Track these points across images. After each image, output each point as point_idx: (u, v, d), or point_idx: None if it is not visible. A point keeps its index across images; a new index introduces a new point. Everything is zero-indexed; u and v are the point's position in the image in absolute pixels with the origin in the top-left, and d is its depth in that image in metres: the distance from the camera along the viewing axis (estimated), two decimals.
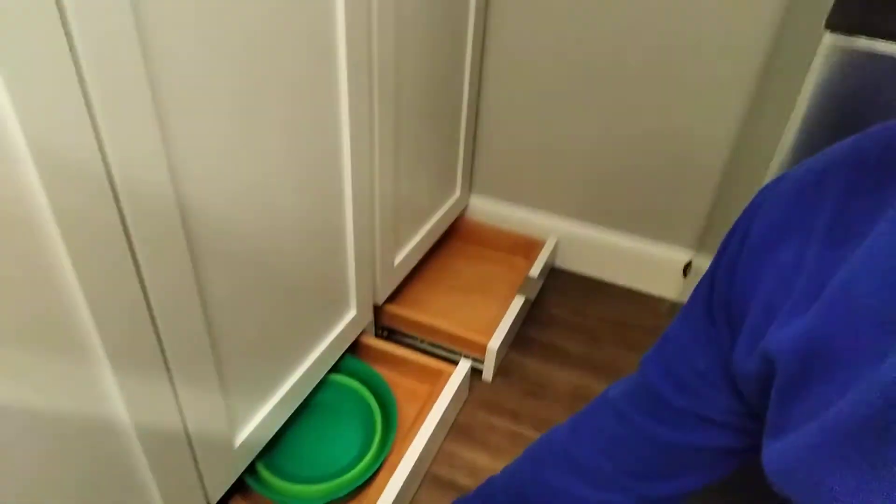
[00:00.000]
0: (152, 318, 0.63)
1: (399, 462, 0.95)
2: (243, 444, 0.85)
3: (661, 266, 1.42)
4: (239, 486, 0.93)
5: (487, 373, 1.21)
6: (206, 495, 0.81)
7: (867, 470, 0.29)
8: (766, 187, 0.45)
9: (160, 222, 0.61)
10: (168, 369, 0.67)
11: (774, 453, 0.36)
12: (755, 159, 0.95)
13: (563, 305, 1.42)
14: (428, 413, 1.04)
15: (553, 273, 1.52)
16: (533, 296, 1.33)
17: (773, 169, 0.83)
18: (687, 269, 1.39)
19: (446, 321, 1.23)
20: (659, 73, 1.22)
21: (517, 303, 1.28)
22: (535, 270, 1.37)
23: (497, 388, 1.21)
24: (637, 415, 0.51)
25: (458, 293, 1.37)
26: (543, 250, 1.44)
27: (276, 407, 0.91)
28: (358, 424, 1.06)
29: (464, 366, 1.13)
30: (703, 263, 1.21)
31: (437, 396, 1.07)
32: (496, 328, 1.21)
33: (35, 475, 0.56)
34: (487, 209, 1.54)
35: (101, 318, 0.56)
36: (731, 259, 0.45)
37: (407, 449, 0.97)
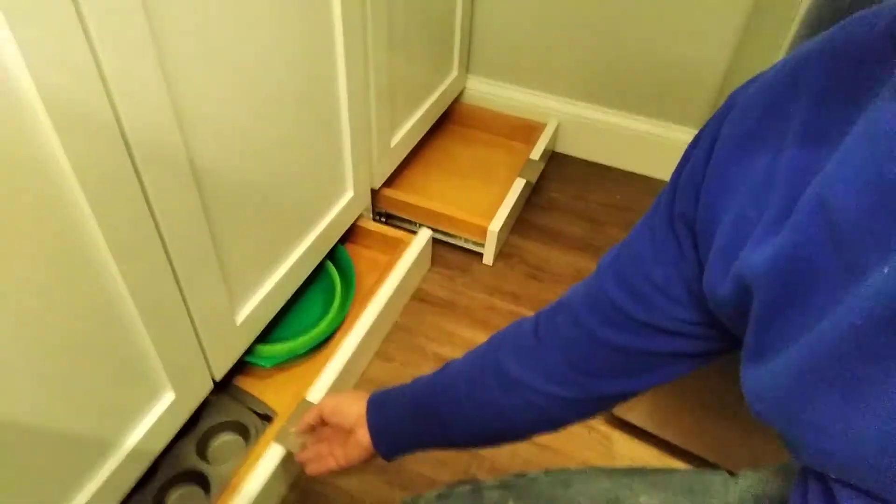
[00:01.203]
0: (149, 204, 0.60)
1: (358, 319, 1.00)
2: (245, 322, 0.84)
3: (664, 148, 1.37)
4: (241, 368, 0.93)
5: (488, 256, 1.20)
6: (210, 372, 0.81)
7: (849, 393, 0.27)
8: (737, 91, 0.41)
9: (155, 113, 0.58)
10: (167, 253, 0.65)
11: (753, 379, 0.34)
12: (774, 22, 0.89)
13: (564, 190, 1.39)
14: (386, 280, 1.06)
15: (553, 158, 1.48)
16: (534, 178, 1.29)
17: (795, 27, 0.78)
18: None
19: (445, 205, 1.20)
20: None
21: (517, 186, 1.25)
22: (536, 153, 1.33)
23: (498, 271, 1.21)
24: (592, 319, 0.49)
25: (456, 178, 1.34)
26: (544, 134, 1.40)
27: (276, 286, 0.89)
28: (321, 292, 1.07)
29: (424, 235, 1.14)
30: None
31: (395, 264, 1.08)
32: (496, 211, 1.19)
33: (44, 363, 0.55)
34: (485, 91, 1.48)
35: (101, 208, 0.54)
36: (697, 172, 0.41)
37: (364, 310, 1.01)
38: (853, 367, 0.27)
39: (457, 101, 1.47)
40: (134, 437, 0.71)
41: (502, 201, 1.21)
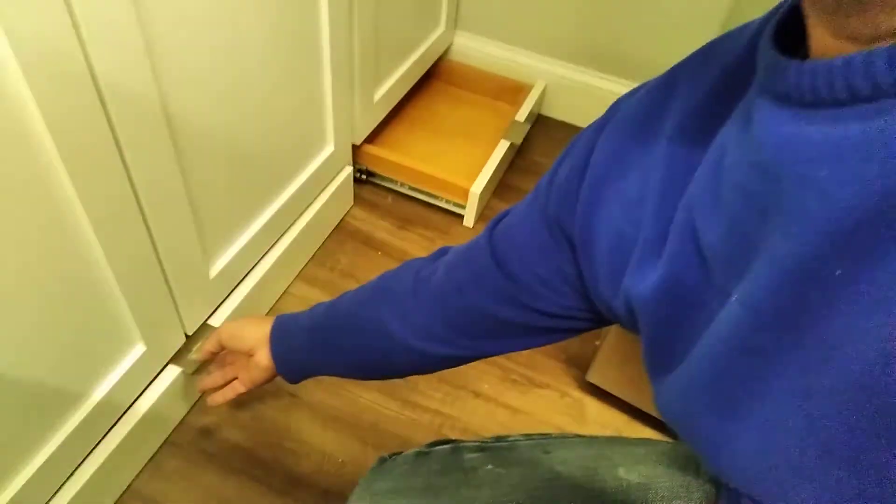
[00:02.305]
0: (120, 152, 0.58)
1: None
2: (219, 275, 0.82)
3: None
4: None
5: (469, 218, 1.19)
6: (182, 325, 0.79)
7: (724, 412, 0.28)
8: (621, 98, 0.40)
9: (127, 58, 0.55)
10: (139, 203, 0.63)
11: (657, 393, 0.35)
12: None
13: (549, 154, 1.38)
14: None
15: (539, 120, 1.46)
16: (519, 140, 1.27)
17: None
18: None
19: (427, 164, 1.18)
20: None
21: (501, 148, 1.23)
22: (522, 115, 1.31)
23: (478, 232, 1.19)
24: (478, 293, 0.48)
25: (440, 137, 1.31)
26: (530, 95, 1.37)
27: (252, 240, 0.88)
28: None
29: (346, 171, 1.12)
30: None
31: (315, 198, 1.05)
32: (479, 173, 1.17)
33: (11, 313, 0.53)
34: (473, 48, 1.44)
35: (71, 156, 0.51)
36: (571, 184, 0.40)
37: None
38: (723, 388, 0.29)
39: (443, 57, 1.43)
40: (103, 388, 0.70)
41: (485, 163, 1.19)
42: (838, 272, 0.22)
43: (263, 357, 0.62)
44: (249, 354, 0.64)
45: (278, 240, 0.97)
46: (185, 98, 0.66)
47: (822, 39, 0.24)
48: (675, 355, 0.33)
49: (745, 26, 0.33)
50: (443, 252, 0.55)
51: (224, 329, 0.68)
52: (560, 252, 0.42)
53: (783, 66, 0.25)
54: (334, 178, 1.10)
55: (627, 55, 1.32)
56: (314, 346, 0.59)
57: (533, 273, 0.44)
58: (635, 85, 1.33)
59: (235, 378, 0.70)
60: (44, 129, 0.50)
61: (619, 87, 1.36)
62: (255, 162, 0.84)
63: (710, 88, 0.33)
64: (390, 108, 1.22)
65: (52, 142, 0.51)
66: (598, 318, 0.44)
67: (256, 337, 0.63)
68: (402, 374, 0.58)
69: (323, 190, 1.07)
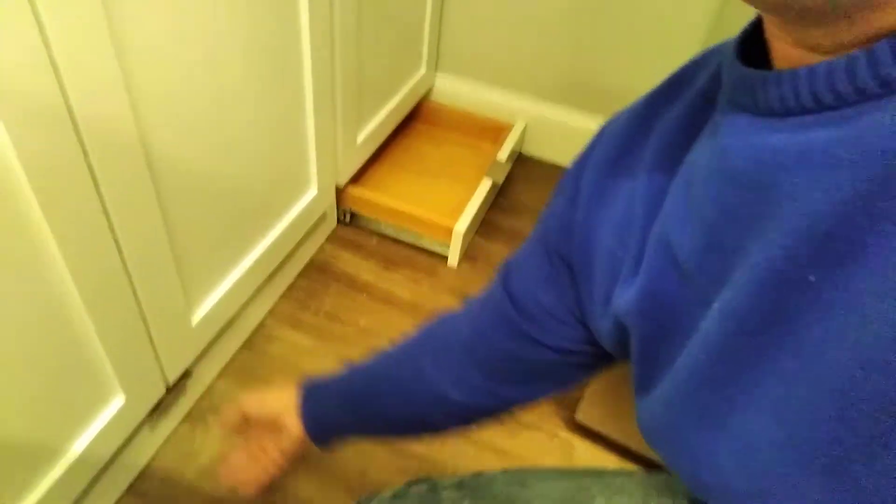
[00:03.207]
0: (100, 195, 0.57)
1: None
2: (202, 322, 0.81)
3: None
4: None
5: (453, 257, 1.19)
6: (163, 375, 0.78)
7: (705, 422, 0.28)
8: (607, 123, 0.41)
9: (108, 99, 0.55)
10: (119, 249, 0.62)
11: (640, 410, 0.35)
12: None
13: (531, 192, 1.39)
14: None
15: (521, 159, 1.47)
16: (501, 179, 1.29)
17: None
18: None
19: (411, 204, 1.18)
20: None
21: (484, 187, 1.24)
22: (503, 154, 1.33)
23: (462, 273, 1.20)
24: (494, 332, 0.49)
25: (423, 177, 1.32)
26: (511, 134, 1.39)
27: (235, 285, 0.87)
28: None
29: (330, 213, 1.11)
30: None
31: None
32: (462, 212, 1.18)
33: None
34: (454, 90, 1.46)
35: (49, 199, 0.50)
36: (565, 213, 0.41)
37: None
38: (704, 398, 0.28)
39: (425, 98, 1.45)
40: (82, 442, 0.68)
41: (468, 202, 1.20)
42: (812, 278, 0.23)
43: (292, 421, 0.58)
44: (276, 423, 0.60)
45: (262, 284, 0.97)
46: (167, 141, 0.66)
47: (784, 51, 0.24)
48: (659, 368, 0.33)
49: (712, 51, 0.34)
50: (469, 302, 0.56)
51: (246, 398, 0.63)
52: (562, 280, 0.43)
53: (750, 77, 0.26)
54: (318, 220, 1.10)
55: (606, 93, 1.35)
56: (349, 403, 0.57)
57: (539, 304, 0.45)
58: None
59: (262, 459, 0.63)
60: (20, 170, 0.49)
61: (595, 125, 1.38)
62: (239, 206, 0.83)
63: (683, 111, 0.34)
64: (373, 150, 1.23)
65: (29, 185, 0.50)
66: (603, 353, 0.45)
67: (282, 401, 0.59)
68: (440, 430, 0.56)
69: (307, 232, 1.07)
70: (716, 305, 0.28)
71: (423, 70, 1.36)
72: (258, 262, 0.91)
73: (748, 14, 0.27)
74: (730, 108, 0.27)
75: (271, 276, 1.00)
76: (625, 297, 0.34)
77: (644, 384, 0.35)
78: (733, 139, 0.27)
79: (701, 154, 0.30)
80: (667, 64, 1.39)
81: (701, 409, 0.29)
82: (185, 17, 0.63)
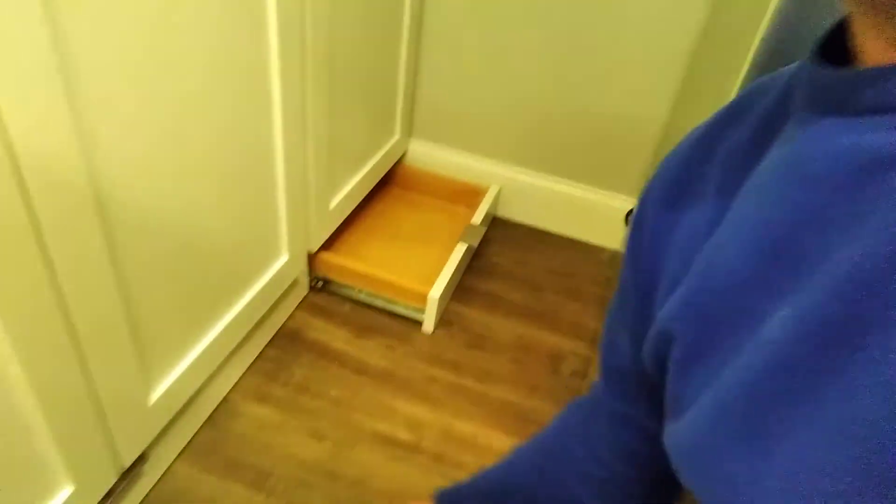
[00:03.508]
0: (47, 259, 0.53)
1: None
2: (160, 400, 0.76)
3: (603, 215, 1.39)
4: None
5: (428, 323, 1.16)
6: (117, 458, 0.72)
7: (754, 444, 0.26)
8: (665, 160, 0.42)
9: (67, 189, 0.52)
10: (68, 320, 0.58)
11: (671, 435, 0.33)
12: (709, 91, 0.92)
13: (506, 255, 1.38)
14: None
15: (495, 222, 1.47)
16: (476, 243, 1.27)
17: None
18: (629, 217, 1.37)
19: (385, 270, 1.16)
20: (604, 14, 1.16)
21: (459, 251, 1.22)
22: (478, 217, 1.32)
23: (438, 339, 1.16)
24: (598, 432, 0.49)
25: (397, 242, 1.30)
26: (486, 198, 1.39)
27: (197, 359, 0.82)
28: None
29: (301, 280, 1.08)
30: None
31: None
32: (437, 277, 1.15)
33: None
34: (427, 155, 1.47)
35: None
36: (634, 245, 0.41)
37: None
38: (754, 417, 0.26)
39: (399, 163, 1.45)
40: None
41: (443, 267, 1.18)
42: None
43: None
44: None
45: (227, 357, 0.92)
46: (125, 201, 0.63)
47: (877, 51, 0.24)
48: (698, 385, 0.30)
49: (772, 78, 0.35)
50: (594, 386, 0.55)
51: None
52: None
53: (841, 77, 0.25)
54: (288, 288, 1.07)
55: (573, 159, 1.36)
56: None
57: (633, 367, 0.44)
58: (585, 187, 1.37)
59: None
60: None
61: (572, 189, 1.39)
62: (203, 273, 0.80)
63: (747, 136, 0.34)
64: (347, 215, 1.21)
65: None
66: None
67: None
68: None
69: (276, 301, 1.03)
70: (784, 312, 0.25)
71: (396, 135, 1.36)
72: (224, 334, 0.87)
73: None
74: (809, 114, 0.27)
75: (238, 348, 0.95)
76: (671, 302, 0.34)
77: (678, 404, 0.33)
78: (815, 143, 0.26)
79: (768, 166, 0.30)
80: (632, 137, 1.43)
81: (748, 431, 0.26)
82: (151, 74, 0.61)
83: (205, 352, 0.83)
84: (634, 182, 1.34)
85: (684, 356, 0.32)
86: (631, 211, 1.36)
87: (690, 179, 0.37)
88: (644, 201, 0.41)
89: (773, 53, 0.68)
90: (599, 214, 1.40)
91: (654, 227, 0.39)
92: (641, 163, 1.31)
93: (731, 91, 0.84)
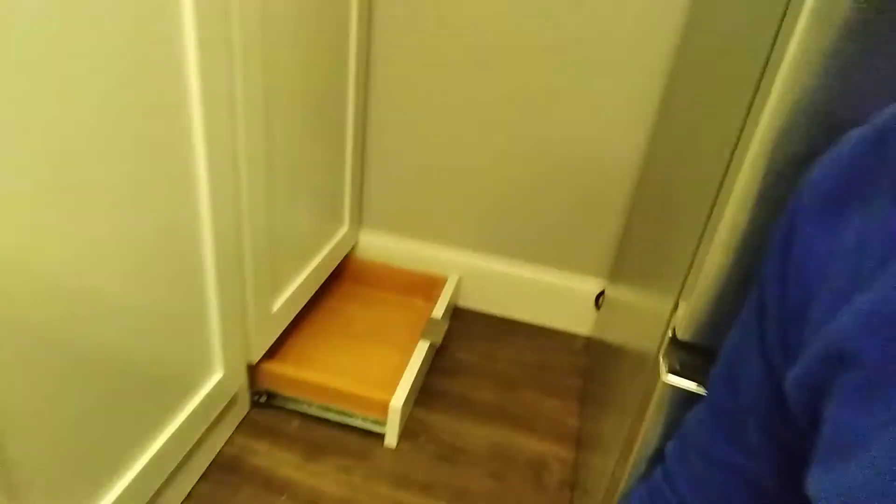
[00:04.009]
0: None
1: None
2: None
3: (572, 299, 1.30)
4: None
5: (391, 436, 1.02)
6: None
7: None
8: (810, 179, 0.38)
9: None
10: None
11: (827, 482, 0.28)
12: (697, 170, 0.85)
13: (471, 350, 1.26)
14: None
15: (457, 314, 1.36)
16: (439, 340, 1.15)
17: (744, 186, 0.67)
18: (599, 299, 1.28)
19: (338, 378, 1.02)
20: (561, 88, 1.12)
21: (420, 350, 1.10)
22: (439, 310, 1.21)
23: (403, 454, 1.02)
24: None
25: (350, 344, 1.17)
26: (445, 288, 1.28)
27: (118, 500, 0.66)
28: None
29: (241, 397, 0.94)
30: (617, 293, 1.10)
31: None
32: (398, 382, 1.02)
33: None
34: (380, 245, 1.37)
35: None
36: (781, 268, 0.38)
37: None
38: None
39: (349, 256, 1.34)
40: None
41: (404, 369, 1.05)
42: None
43: None
44: None
45: (153, 496, 0.75)
46: (17, 302, 0.49)
47: None
48: (887, 419, 0.26)
49: None
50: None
51: None
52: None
53: None
54: (225, 408, 0.91)
55: (540, 241, 1.28)
56: None
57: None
58: (551, 270, 1.26)
59: None
60: None
61: (537, 274, 1.30)
62: (120, 401, 0.65)
63: None
64: (292, 318, 1.08)
65: None
66: None
67: None
68: None
69: (211, 425, 0.87)
70: None
71: (346, 226, 1.26)
72: (143, 474, 0.71)
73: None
74: None
75: (163, 488, 0.78)
76: (844, 319, 0.30)
77: (848, 441, 0.28)
78: None
79: None
80: (593, 216, 1.36)
81: None
82: (60, 155, 0.49)
83: (127, 490, 0.67)
84: (603, 261, 1.27)
85: (867, 381, 0.28)
86: (602, 292, 1.28)
87: (857, 186, 0.34)
88: (792, 217, 0.38)
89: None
90: (568, 299, 1.30)
91: (809, 240, 0.36)
92: (610, 240, 1.24)
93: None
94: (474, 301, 1.37)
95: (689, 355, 0.52)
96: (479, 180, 1.25)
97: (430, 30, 1.14)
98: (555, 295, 1.31)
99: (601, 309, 1.27)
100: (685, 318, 0.50)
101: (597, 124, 1.14)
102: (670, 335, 0.53)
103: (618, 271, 1.18)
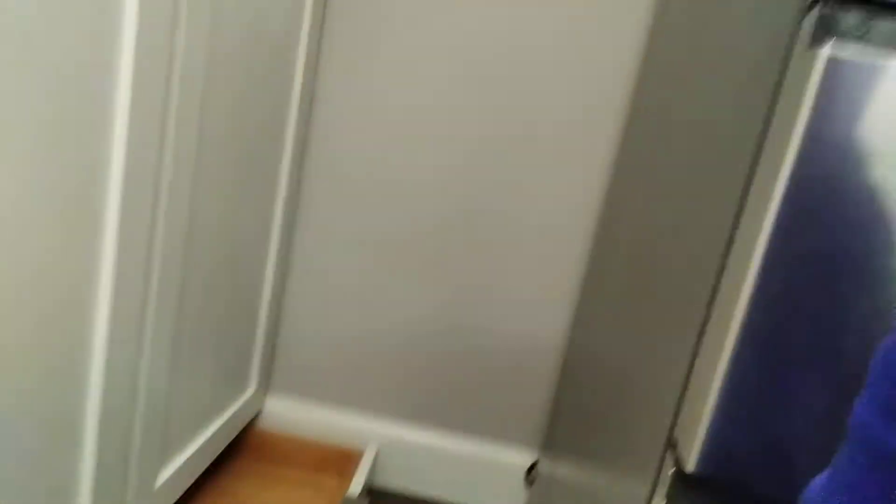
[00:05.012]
0: None
1: None
2: None
3: (500, 473, 1.18)
4: None
5: None
6: None
7: None
8: None
9: None
10: None
11: None
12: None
13: None
14: None
15: (373, 494, 1.19)
16: None
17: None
18: (531, 471, 1.18)
19: None
20: (488, 249, 1.12)
21: None
22: (355, 489, 1.05)
23: None
24: None
25: None
26: (361, 464, 1.13)
27: None
28: None
29: None
30: (550, 466, 1.01)
31: None
32: None
33: None
34: (288, 414, 1.21)
35: None
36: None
37: None
38: None
39: (251, 426, 1.17)
40: None
41: None
42: None
43: None
44: None
45: None
46: None
47: None
48: None
49: None
50: None
51: None
52: None
53: None
54: None
55: (461, 410, 1.19)
56: None
57: None
58: (482, 441, 1.14)
59: None
60: None
61: (456, 446, 1.19)
62: None
63: None
64: (178, 497, 0.89)
65: None
66: None
67: None
68: None
69: None
70: None
71: (252, 389, 1.11)
72: None
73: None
74: None
75: None
76: None
77: None
78: None
79: None
80: (524, 384, 1.29)
81: None
82: None
83: None
84: (533, 431, 1.18)
85: None
86: (533, 465, 1.18)
87: None
88: None
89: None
90: (496, 472, 1.19)
91: None
92: (540, 408, 1.17)
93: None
94: (393, 478, 1.21)
95: (700, 496, 0.44)
96: (400, 341, 1.18)
97: (354, 190, 1.13)
98: (482, 469, 1.19)
99: (534, 483, 1.16)
100: (690, 448, 0.44)
101: (522, 288, 1.13)
102: (671, 472, 0.46)
103: (552, 440, 1.10)
